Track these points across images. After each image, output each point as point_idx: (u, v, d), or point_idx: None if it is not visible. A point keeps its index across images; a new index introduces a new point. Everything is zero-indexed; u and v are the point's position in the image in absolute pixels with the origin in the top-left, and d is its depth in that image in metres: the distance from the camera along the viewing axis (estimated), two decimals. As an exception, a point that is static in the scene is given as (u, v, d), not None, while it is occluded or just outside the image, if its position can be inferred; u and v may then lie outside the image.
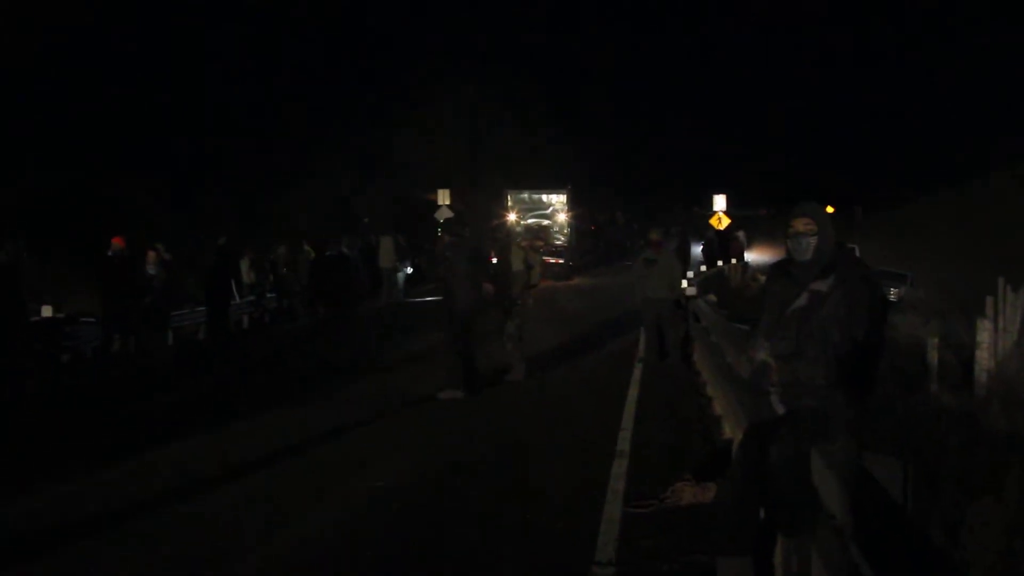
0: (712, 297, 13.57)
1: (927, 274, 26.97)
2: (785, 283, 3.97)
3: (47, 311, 13.33)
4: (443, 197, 26.92)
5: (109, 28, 26.64)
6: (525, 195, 29.57)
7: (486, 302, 9.64)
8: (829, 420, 3.68)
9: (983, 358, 10.32)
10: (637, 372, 10.34)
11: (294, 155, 32.41)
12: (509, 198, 28.96)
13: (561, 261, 27.19)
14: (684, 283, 12.44)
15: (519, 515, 5.24)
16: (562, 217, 28.88)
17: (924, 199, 38.92)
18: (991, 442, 6.98)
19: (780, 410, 3.88)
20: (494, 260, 10.53)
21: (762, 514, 3.91)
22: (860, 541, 2.83)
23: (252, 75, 32.96)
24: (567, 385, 9.91)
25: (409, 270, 23.18)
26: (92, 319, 12.91)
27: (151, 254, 10.86)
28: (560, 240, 28.31)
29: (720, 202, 29.45)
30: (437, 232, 26.73)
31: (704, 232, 31.89)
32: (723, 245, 29.01)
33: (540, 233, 27.82)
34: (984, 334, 10.37)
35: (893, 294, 25.33)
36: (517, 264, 10.27)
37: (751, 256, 34.47)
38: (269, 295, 18.78)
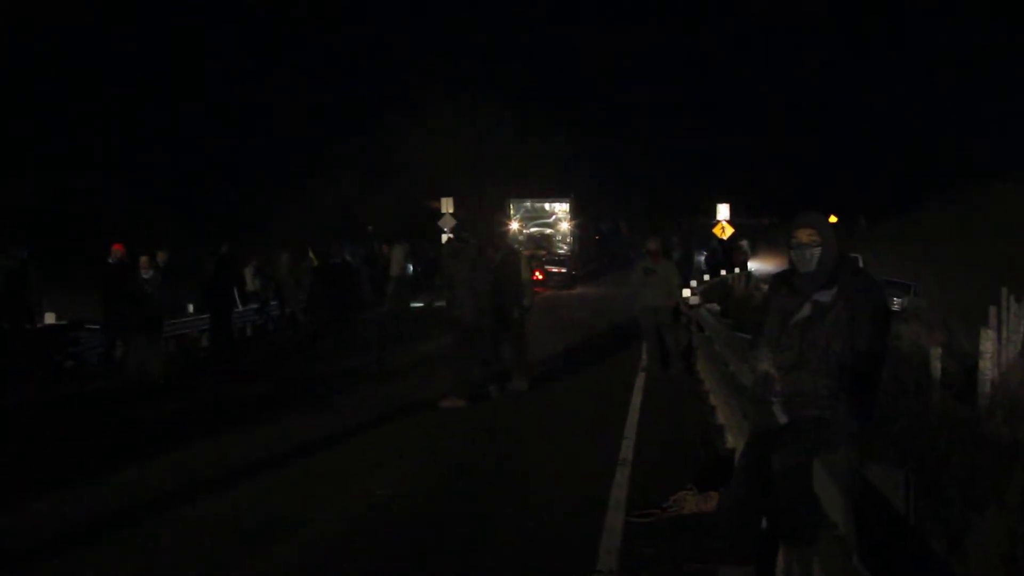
0: (715, 306, 13.56)
1: (931, 283, 26.93)
2: (788, 294, 3.96)
3: (51, 318, 13.39)
4: (447, 205, 26.91)
5: (109, 28, 26.72)
6: (528, 204, 29.54)
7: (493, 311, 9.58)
8: (831, 430, 3.68)
9: (986, 367, 10.30)
10: (640, 380, 10.35)
11: (298, 162, 32.49)
12: (512, 207, 28.93)
13: (564, 270, 27.18)
14: (687, 292, 12.45)
15: (521, 523, 5.24)
16: (565, 226, 28.86)
17: (927, 208, 38.88)
18: (994, 452, 6.96)
19: (783, 420, 3.89)
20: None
21: (764, 523, 3.91)
22: (862, 551, 2.84)
23: (253, 77, 33.09)
24: (570, 393, 9.91)
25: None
26: (97, 326, 12.94)
27: (143, 259, 10.89)
28: (563, 249, 28.29)
29: (724, 211, 29.44)
30: (443, 240, 26.80)
31: (707, 242, 31.90)
32: (727, 254, 29.01)
33: (543, 242, 27.85)
34: (987, 343, 10.35)
35: (897, 303, 25.28)
36: (526, 274, 10.30)
37: (754, 265, 34.45)
38: (272, 303, 18.80)
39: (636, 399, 9.21)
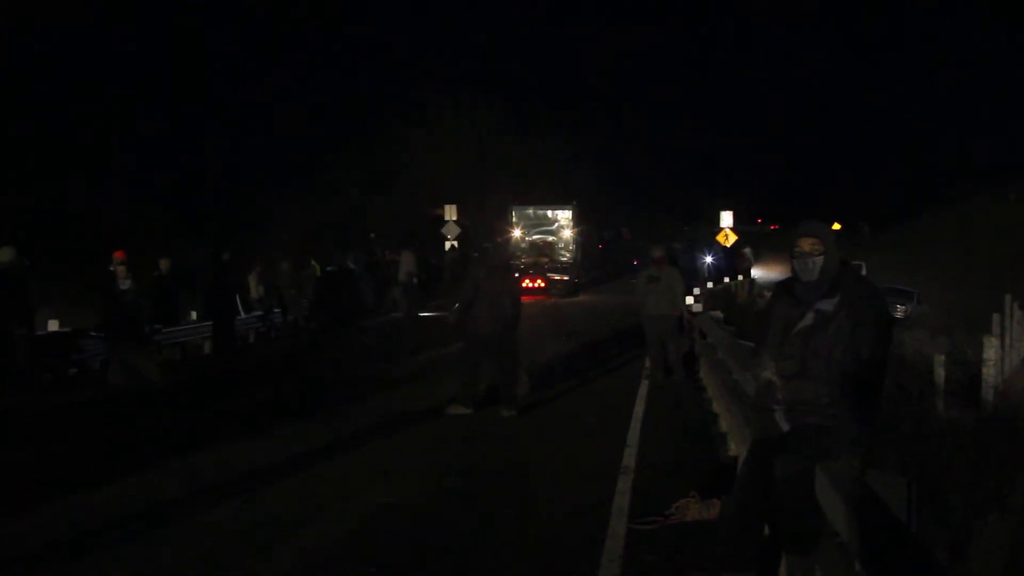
0: (718, 313, 13.56)
1: (934, 291, 26.92)
2: (790, 302, 3.98)
3: (54, 325, 13.41)
4: (451, 212, 26.94)
5: (109, 29, 26.74)
6: (530, 211, 29.43)
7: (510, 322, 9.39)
8: (833, 437, 3.69)
9: (989, 375, 10.30)
10: (643, 388, 10.35)
11: (298, 163, 32.44)
12: (514, 214, 28.87)
13: (567, 278, 27.12)
14: (690, 300, 12.45)
15: (523, 531, 5.25)
16: (567, 233, 28.77)
17: (928, 209, 38.88)
18: (997, 459, 6.95)
19: (785, 427, 3.90)
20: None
21: (766, 531, 3.92)
22: (864, 558, 2.84)
23: (253, 77, 33.12)
24: (572, 401, 9.90)
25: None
26: (101, 333, 12.95)
27: (121, 268, 10.85)
28: (565, 257, 28.21)
29: (727, 218, 29.41)
30: (446, 247, 26.82)
31: (712, 247, 31.85)
32: (730, 261, 28.95)
33: (545, 250, 27.81)
34: (991, 351, 10.36)
35: (900, 311, 25.31)
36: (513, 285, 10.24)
37: (757, 272, 34.44)
38: (276, 310, 18.81)
39: (639, 407, 9.20)
